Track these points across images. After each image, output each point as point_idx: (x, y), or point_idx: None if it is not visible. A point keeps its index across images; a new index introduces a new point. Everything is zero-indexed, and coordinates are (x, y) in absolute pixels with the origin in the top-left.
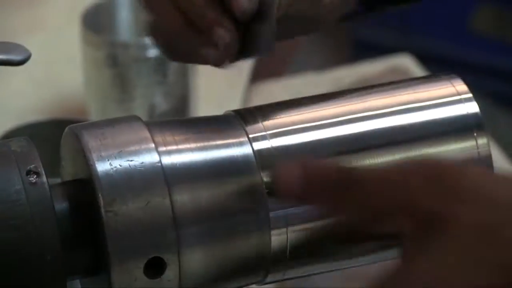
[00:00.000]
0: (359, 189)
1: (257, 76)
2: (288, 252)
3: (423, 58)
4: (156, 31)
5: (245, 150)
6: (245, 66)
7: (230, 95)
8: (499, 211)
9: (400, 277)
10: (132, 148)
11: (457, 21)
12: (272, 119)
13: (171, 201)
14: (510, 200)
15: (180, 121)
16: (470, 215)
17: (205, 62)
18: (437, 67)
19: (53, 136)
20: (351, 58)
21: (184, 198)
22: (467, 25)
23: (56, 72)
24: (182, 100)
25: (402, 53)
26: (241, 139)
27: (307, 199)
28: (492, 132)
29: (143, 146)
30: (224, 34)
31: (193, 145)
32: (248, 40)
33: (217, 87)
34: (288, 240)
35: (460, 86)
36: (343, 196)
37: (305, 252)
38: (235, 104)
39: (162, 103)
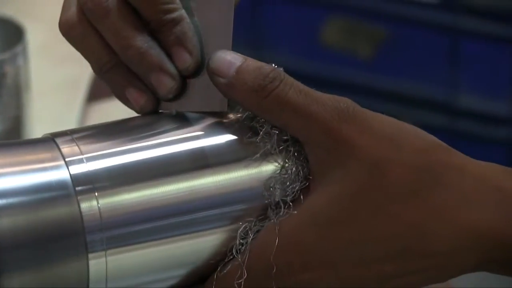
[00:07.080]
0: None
1: (95, 95)
2: (106, 275)
3: None
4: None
5: (61, 174)
6: (82, 85)
7: (66, 116)
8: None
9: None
10: None
11: (307, 34)
12: (90, 142)
13: None
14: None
15: None
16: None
17: (132, 106)
18: None
19: None
20: None
21: (1, 223)
22: (317, 38)
23: None
24: (16, 121)
25: None
26: (57, 163)
27: (235, 87)
28: None
29: None
30: (167, 81)
31: (9, 169)
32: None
33: (52, 107)
34: (107, 263)
35: None
36: (265, 100)
37: (124, 273)
38: (71, 124)
39: None
